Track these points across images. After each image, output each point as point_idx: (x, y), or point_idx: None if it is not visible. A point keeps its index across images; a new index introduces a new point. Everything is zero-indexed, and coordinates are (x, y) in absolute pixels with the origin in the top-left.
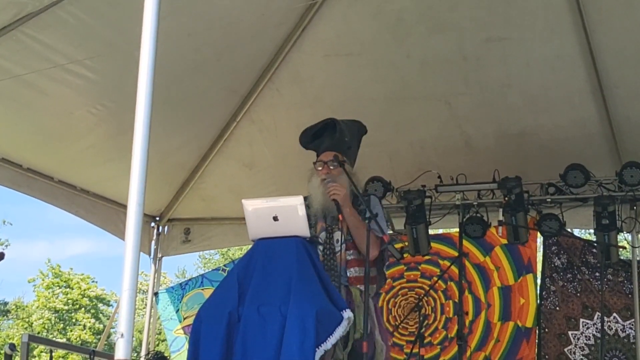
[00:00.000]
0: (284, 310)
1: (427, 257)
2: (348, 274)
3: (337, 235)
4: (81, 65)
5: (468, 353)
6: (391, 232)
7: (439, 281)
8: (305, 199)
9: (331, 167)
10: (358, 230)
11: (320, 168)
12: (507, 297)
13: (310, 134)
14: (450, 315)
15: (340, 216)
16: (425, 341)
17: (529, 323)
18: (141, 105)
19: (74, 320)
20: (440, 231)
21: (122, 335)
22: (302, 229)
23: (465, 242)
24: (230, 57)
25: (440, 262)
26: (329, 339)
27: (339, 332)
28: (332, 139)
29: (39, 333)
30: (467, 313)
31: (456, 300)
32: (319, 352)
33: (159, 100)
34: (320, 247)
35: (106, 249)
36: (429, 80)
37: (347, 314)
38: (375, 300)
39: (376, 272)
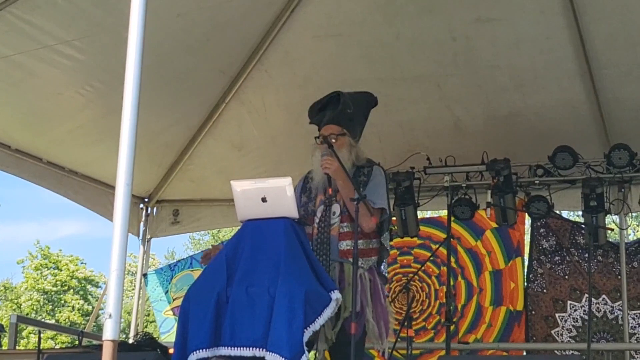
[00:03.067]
0: (272, 291)
1: (419, 242)
2: (340, 247)
3: (335, 208)
4: (70, 46)
5: (459, 335)
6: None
7: (432, 266)
8: (310, 172)
9: (332, 141)
10: (351, 203)
11: (320, 142)
12: (499, 281)
13: (317, 108)
14: (444, 301)
15: (329, 190)
16: (420, 326)
17: (519, 306)
18: (129, 86)
19: (62, 301)
20: (429, 214)
21: (110, 315)
22: (290, 210)
23: (456, 227)
24: (220, 37)
25: (433, 246)
26: (317, 319)
27: (327, 313)
28: (333, 111)
29: (27, 314)
30: (455, 294)
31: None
32: (307, 333)
33: (147, 81)
34: (317, 220)
35: (96, 230)
36: (418, 61)
37: (336, 295)
38: (372, 274)
39: (377, 244)
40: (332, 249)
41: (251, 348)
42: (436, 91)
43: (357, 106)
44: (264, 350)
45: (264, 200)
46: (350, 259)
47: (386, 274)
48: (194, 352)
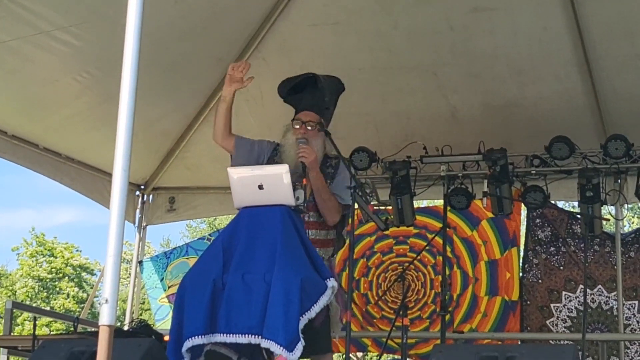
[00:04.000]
0: (268, 279)
1: (415, 231)
2: None
3: (299, 193)
4: (67, 32)
5: (454, 324)
6: (375, 202)
7: (428, 256)
8: (279, 146)
9: (308, 128)
10: (321, 194)
11: (297, 126)
12: (494, 271)
13: (290, 86)
14: (440, 290)
15: (305, 180)
16: (415, 315)
17: (515, 296)
18: (127, 72)
19: (57, 288)
20: (425, 203)
21: (106, 300)
22: (287, 197)
23: (452, 216)
24: (217, 25)
25: (429, 235)
26: (313, 307)
27: (323, 300)
28: (312, 96)
29: (22, 301)
30: (450, 284)
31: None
32: (303, 321)
33: (144, 67)
34: None
35: (92, 217)
36: (415, 50)
37: (331, 282)
38: (332, 262)
39: (334, 235)
40: None
41: (247, 335)
42: (433, 80)
43: (331, 94)
44: (260, 337)
45: (260, 187)
46: (316, 248)
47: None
48: (190, 339)
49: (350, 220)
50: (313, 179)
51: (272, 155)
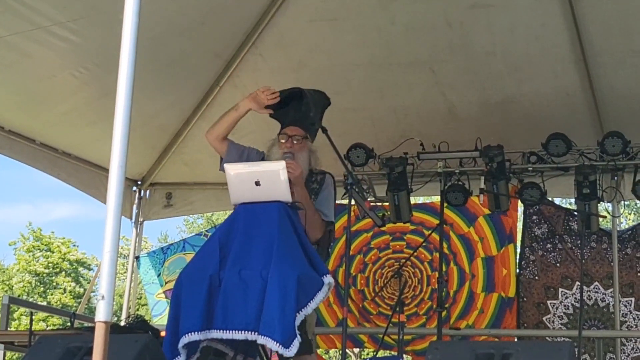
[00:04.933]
0: (265, 275)
1: (412, 228)
2: None
3: None
4: (64, 27)
5: (451, 321)
6: (372, 199)
7: (425, 252)
8: (265, 156)
9: (294, 142)
10: (305, 210)
11: (283, 141)
12: (491, 267)
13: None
14: (436, 287)
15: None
16: (412, 311)
17: (511, 293)
18: (124, 68)
19: (54, 283)
20: (421, 200)
21: (102, 297)
22: (283, 194)
23: (449, 213)
24: (215, 20)
25: (425, 232)
26: (309, 303)
27: (320, 297)
28: (298, 111)
29: (19, 296)
30: (447, 280)
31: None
32: (300, 317)
33: (142, 63)
34: None
35: (89, 213)
36: (413, 46)
37: (328, 279)
38: None
39: (316, 249)
40: None
41: (243, 331)
42: (431, 77)
43: (317, 109)
44: (256, 333)
45: (257, 184)
46: None
47: None
48: (186, 335)
49: (347, 216)
50: (297, 194)
51: None
